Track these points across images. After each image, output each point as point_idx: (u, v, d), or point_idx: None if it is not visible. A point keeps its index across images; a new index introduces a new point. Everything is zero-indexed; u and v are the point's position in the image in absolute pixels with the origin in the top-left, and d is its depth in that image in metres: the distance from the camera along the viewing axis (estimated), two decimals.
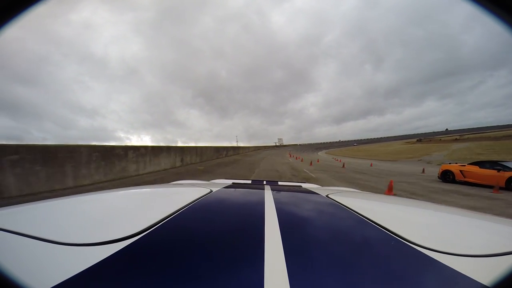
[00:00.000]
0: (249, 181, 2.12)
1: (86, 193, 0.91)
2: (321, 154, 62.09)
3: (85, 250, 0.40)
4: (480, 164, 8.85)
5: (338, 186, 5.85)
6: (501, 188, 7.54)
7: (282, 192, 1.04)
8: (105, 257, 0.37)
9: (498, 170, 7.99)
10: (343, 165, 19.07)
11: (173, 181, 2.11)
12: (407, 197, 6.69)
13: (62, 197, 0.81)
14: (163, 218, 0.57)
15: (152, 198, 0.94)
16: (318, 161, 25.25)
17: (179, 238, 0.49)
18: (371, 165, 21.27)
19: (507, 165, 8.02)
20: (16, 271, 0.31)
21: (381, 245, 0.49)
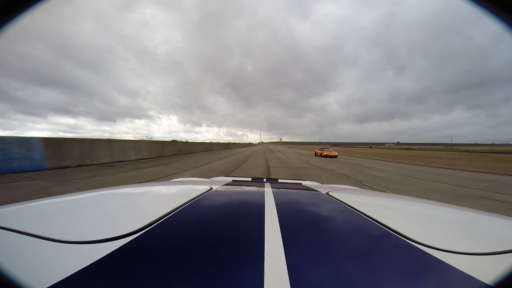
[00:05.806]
0: (249, 179, 2.09)
1: (85, 191, 0.90)
2: (287, 146, 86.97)
3: (85, 247, 0.40)
4: (322, 148, 24.22)
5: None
6: (320, 156, 22.42)
7: (282, 190, 1.05)
8: (105, 254, 0.37)
9: (321, 149, 23.77)
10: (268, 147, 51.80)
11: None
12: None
13: (61, 195, 0.81)
14: (163, 216, 0.57)
15: (153, 196, 0.94)
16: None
17: (179, 235, 0.49)
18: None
19: (323, 148, 24.37)
20: (15, 270, 0.30)
21: (382, 243, 0.48)
